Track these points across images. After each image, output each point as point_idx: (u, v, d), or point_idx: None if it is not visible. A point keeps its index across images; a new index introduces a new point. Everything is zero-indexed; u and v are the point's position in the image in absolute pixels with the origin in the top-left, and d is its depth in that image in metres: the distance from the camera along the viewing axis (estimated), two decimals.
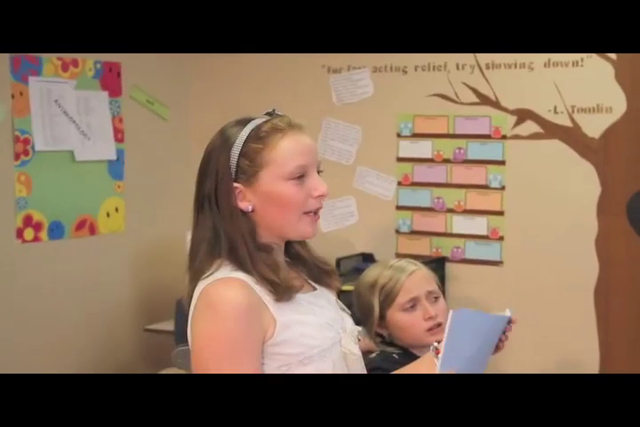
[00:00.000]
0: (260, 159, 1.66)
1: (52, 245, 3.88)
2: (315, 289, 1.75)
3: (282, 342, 1.61)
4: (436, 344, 1.69)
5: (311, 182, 1.67)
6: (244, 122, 1.70)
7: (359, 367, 1.73)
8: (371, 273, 2.27)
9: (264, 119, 1.70)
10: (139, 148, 4.25)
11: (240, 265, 1.64)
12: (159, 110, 4.39)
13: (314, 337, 1.64)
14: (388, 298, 2.20)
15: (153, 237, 4.35)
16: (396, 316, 2.20)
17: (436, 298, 2.24)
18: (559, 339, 3.80)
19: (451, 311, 1.63)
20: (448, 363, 1.63)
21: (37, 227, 3.81)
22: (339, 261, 3.88)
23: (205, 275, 1.65)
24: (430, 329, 2.19)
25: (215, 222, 1.66)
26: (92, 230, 4.06)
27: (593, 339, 3.75)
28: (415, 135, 4.07)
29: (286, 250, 1.77)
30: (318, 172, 1.71)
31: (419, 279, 2.23)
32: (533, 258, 3.85)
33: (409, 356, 2.16)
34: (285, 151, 1.66)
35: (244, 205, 1.67)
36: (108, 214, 4.13)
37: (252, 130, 1.67)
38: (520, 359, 3.84)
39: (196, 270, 1.67)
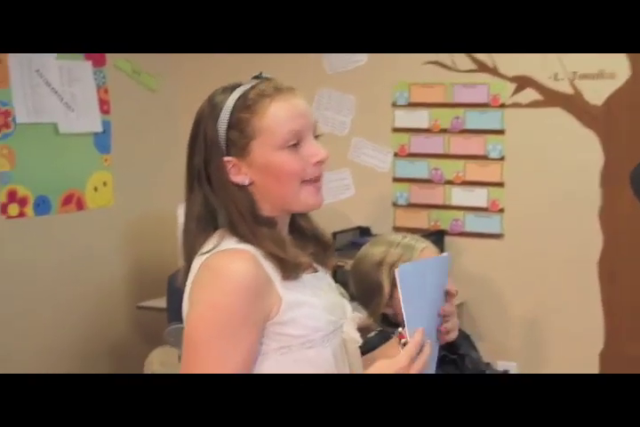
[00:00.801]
0: (250, 129, 1.54)
1: (38, 220, 3.75)
2: (316, 271, 1.64)
3: (287, 322, 1.50)
4: (400, 330, 1.59)
5: (308, 148, 1.55)
6: (230, 89, 1.58)
7: (358, 355, 1.63)
8: (375, 251, 2.18)
9: (251, 84, 1.58)
10: (126, 119, 4.12)
11: (245, 240, 1.53)
12: (146, 81, 4.25)
13: (319, 320, 1.54)
14: None
15: (143, 212, 4.23)
16: None
17: None
18: (562, 313, 3.71)
19: (396, 271, 1.52)
20: (413, 323, 1.53)
21: (22, 202, 3.68)
22: (335, 236, 3.77)
23: (206, 249, 1.53)
24: None
25: (208, 198, 1.56)
26: (80, 205, 3.93)
27: (597, 313, 3.66)
28: (411, 104, 3.94)
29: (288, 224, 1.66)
30: (316, 136, 1.60)
31: (429, 257, 2.15)
32: (534, 230, 3.75)
33: None
34: (275, 118, 1.53)
35: (240, 178, 1.55)
36: (95, 189, 4.01)
37: (239, 98, 1.55)
38: (521, 335, 3.76)
39: (190, 248, 1.56)
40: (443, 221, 3.92)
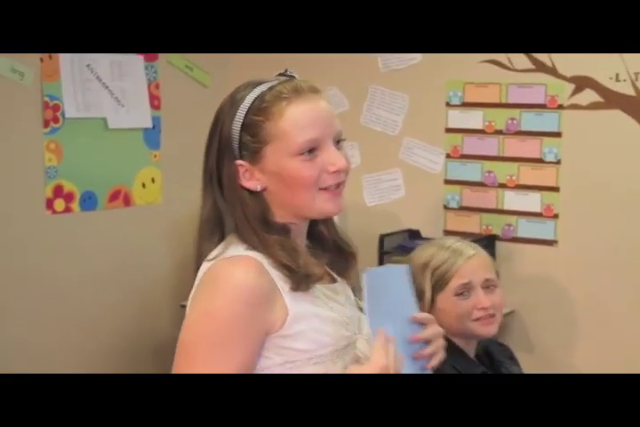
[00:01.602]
0: (264, 134, 1.46)
1: (84, 216, 3.74)
2: (334, 281, 1.56)
3: (293, 335, 1.42)
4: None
5: (327, 156, 1.47)
6: (253, 85, 1.52)
7: None
8: (423, 253, 2.11)
9: (270, 84, 1.50)
10: (177, 115, 4.08)
11: (253, 247, 1.46)
12: (199, 76, 4.21)
13: (329, 334, 1.45)
14: (439, 281, 2.06)
15: (191, 210, 4.14)
16: (446, 301, 2.06)
17: (493, 287, 2.08)
18: (615, 325, 3.56)
19: (364, 275, 1.46)
20: (375, 323, 1.45)
21: (68, 197, 3.67)
22: (382, 238, 3.67)
23: (213, 255, 1.47)
24: (478, 319, 2.05)
25: (217, 201, 1.49)
26: (127, 202, 3.91)
27: None
28: (465, 104, 3.83)
29: (308, 230, 1.58)
30: (339, 141, 1.50)
31: (476, 265, 2.08)
32: (590, 237, 3.60)
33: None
34: (291, 124, 1.45)
35: (252, 184, 1.49)
36: (143, 185, 3.98)
37: (255, 99, 1.47)
38: (573, 346, 3.63)
39: (200, 253, 1.50)
40: (494, 225, 3.80)
